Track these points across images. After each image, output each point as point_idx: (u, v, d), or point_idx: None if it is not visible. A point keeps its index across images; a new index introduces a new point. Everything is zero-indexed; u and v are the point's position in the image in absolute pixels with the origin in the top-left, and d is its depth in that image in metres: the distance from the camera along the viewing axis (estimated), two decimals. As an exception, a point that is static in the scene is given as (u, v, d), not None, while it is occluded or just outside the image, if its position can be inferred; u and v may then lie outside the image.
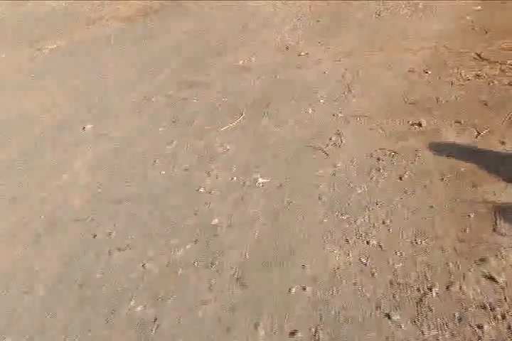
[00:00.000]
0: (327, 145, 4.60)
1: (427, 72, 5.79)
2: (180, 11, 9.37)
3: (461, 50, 6.22)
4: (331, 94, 5.56)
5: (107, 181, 4.51)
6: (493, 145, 4.28)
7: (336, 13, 8.14)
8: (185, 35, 8.05)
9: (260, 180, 4.19)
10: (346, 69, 6.15)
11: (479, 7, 7.43)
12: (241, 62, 6.75)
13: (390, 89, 5.49)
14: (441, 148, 4.33)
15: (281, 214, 3.81)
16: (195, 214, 3.95)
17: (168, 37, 8.05)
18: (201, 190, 4.19)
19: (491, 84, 5.31)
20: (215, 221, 3.85)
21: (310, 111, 5.24)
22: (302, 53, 6.79)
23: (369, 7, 8.16)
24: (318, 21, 7.96)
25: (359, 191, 3.96)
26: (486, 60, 5.87)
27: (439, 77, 5.62)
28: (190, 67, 6.73)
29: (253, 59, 6.83)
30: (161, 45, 7.68)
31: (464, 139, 4.43)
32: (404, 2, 8.16)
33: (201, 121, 5.28)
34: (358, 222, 3.68)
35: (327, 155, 4.43)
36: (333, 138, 4.68)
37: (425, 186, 3.92)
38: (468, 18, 7.12)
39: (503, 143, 4.30)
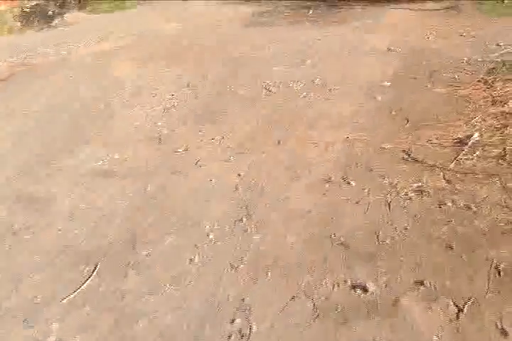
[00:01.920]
0: (229, 337, 2.55)
1: (348, 183, 3.99)
2: (33, 81, 7.16)
3: (384, 146, 4.47)
4: (225, 222, 3.65)
5: None
6: (493, 336, 2.40)
7: (218, 86, 6.24)
8: (31, 119, 5.90)
9: None
10: (240, 177, 4.25)
11: (389, 83, 5.74)
12: (100, 163, 4.65)
13: (304, 215, 3.65)
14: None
15: None
16: None
17: (8, 121, 5.79)
18: None
19: (444, 206, 3.57)
20: None
21: (196, 259, 3.33)
22: (180, 148, 4.82)
23: (256, 78, 6.31)
24: (196, 98, 5.97)
25: None
26: (421, 162, 4.17)
27: (368, 192, 3.81)
28: (31, 172, 4.58)
29: (116, 157, 4.78)
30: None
31: (441, 322, 2.53)
32: (297, 74, 6.36)
33: (32, 281, 3.17)
34: None
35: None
36: (237, 324, 2.66)
37: None
38: (379, 98, 5.42)
39: (504, 332, 2.44)
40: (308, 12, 10.27)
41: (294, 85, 6.18)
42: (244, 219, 3.73)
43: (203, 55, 7.77)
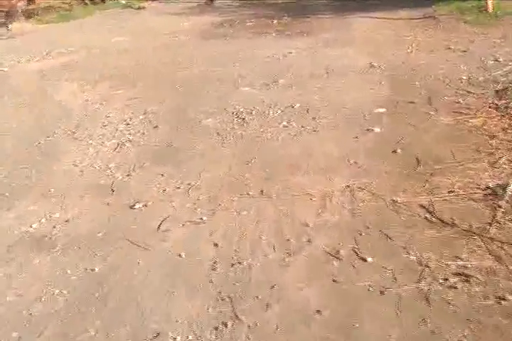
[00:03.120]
0: None
1: (364, 260, 2.78)
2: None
3: (397, 199, 3.24)
4: (202, 330, 2.61)
5: None
6: None
7: (180, 113, 4.98)
8: None
9: None
10: (217, 248, 3.17)
11: (383, 110, 4.54)
12: (35, 227, 3.37)
13: (312, 319, 2.66)
14: None
15: None
16: None
17: None
18: None
19: (504, 302, 2.52)
20: None
21: None
22: (138, 203, 3.61)
23: (223, 103, 5.08)
24: (155, 128, 4.67)
25: None
26: (450, 224, 3.07)
27: (393, 276, 2.62)
28: None
29: (56, 216, 3.47)
30: None
31: None
32: (271, 97, 5.16)
33: None
34: None
35: None
36: None
37: None
38: (377, 130, 4.20)
39: None
40: (273, 22, 9.02)
41: (271, 111, 4.96)
42: (229, 324, 2.48)
43: (159, 74, 6.51)
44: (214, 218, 3.43)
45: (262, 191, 3.69)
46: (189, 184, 3.86)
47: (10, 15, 11.17)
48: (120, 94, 5.97)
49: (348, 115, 4.76)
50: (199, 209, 3.53)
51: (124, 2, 12.41)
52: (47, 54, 8.22)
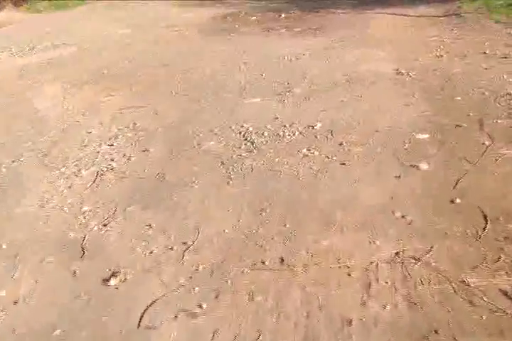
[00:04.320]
0: None
1: None
2: None
3: (466, 280, 2.23)
4: None
5: None
6: None
7: (176, 132, 4.04)
8: None
9: None
10: None
11: (426, 136, 3.32)
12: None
13: None
14: None
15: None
16: None
17: None
18: None
19: None
20: None
21: None
22: (113, 278, 2.50)
23: (228, 119, 4.13)
24: (145, 151, 3.53)
25: None
26: None
27: None
28: None
29: (1, 294, 2.25)
30: None
31: None
32: (286, 113, 4.06)
33: None
34: None
35: None
36: None
37: None
38: (424, 167, 3.10)
39: None
40: (280, 16, 7.75)
41: (287, 133, 3.78)
42: None
43: (156, 77, 5.30)
44: (217, 306, 2.27)
45: (282, 259, 2.53)
46: (185, 243, 2.69)
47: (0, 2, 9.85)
48: (108, 102, 4.75)
49: (382, 142, 3.57)
50: (197, 289, 2.36)
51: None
52: (32, 48, 6.95)
